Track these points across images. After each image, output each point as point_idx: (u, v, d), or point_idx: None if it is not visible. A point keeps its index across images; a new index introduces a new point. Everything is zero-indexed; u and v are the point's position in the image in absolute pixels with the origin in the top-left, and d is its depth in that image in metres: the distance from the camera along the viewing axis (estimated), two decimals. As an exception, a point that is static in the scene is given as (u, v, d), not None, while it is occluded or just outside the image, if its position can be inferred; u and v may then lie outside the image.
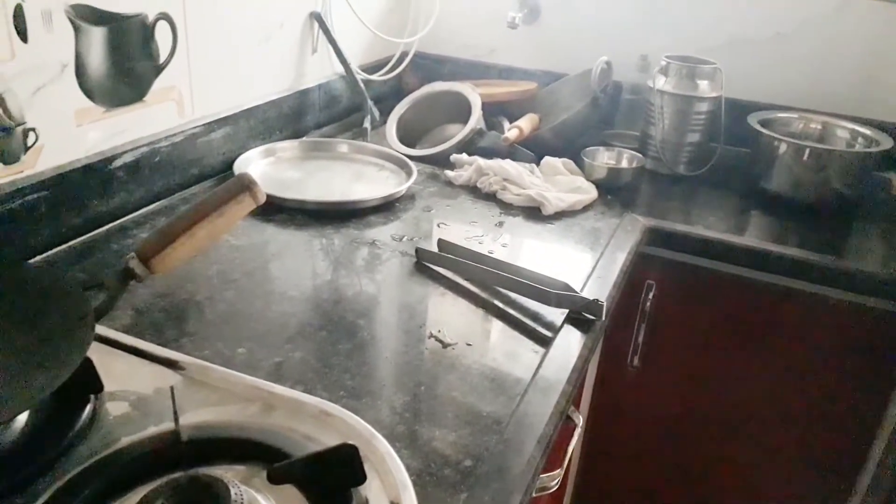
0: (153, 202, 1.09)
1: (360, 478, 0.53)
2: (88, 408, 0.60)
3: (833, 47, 1.48)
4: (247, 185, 0.68)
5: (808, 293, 1.15)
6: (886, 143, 1.29)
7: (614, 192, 1.30)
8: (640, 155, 1.39)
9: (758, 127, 1.34)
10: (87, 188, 0.98)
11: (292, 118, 1.41)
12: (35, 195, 0.91)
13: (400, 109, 1.48)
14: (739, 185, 1.40)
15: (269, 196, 1.08)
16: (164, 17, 1.06)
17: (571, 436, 0.95)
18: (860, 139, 1.37)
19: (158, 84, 1.08)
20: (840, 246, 1.21)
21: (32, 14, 0.86)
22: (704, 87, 1.38)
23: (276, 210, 1.11)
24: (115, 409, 0.63)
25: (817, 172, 1.28)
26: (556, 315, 0.89)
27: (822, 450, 1.23)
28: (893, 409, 1.15)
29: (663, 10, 1.58)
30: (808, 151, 1.28)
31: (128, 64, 1.02)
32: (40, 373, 0.55)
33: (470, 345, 0.82)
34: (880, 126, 1.37)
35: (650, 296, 1.23)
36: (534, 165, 1.32)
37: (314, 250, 1.02)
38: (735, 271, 1.18)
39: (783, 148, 1.30)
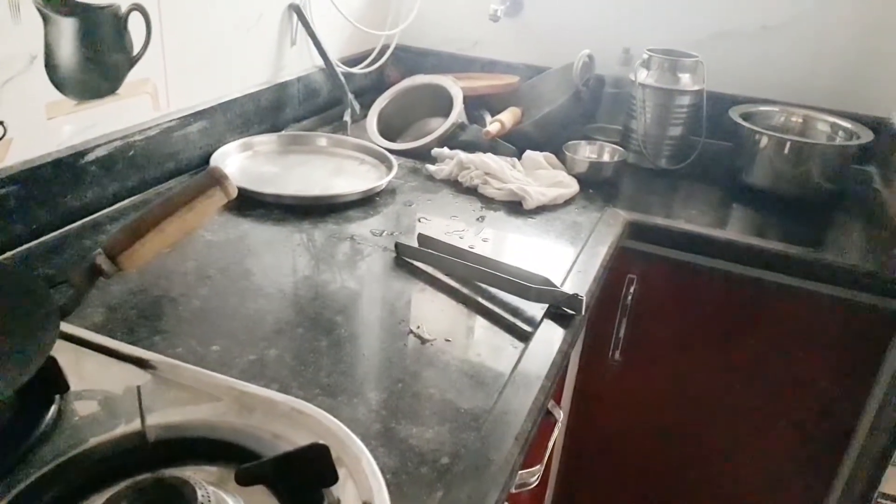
0: (127, 197, 1.07)
1: (332, 478, 0.52)
2: (53, 408, 0.59)
3: (816, 41, 1.48)
4: (217, 179, 0.66)
5: (789, 286, 1.15)
6: (866, 136, 1.29)
7: (596, 186, 1.29)
8: (621, 149, 1.39)
9: (739, 120, 1.34)
10: (58, 183, 0.96)
11: (271, 111, 1.39)
12: (4, 190, 0.88)
13: (381, 103, 1.47)
14: (721, 178, 1.40)
15: (246, 191, 1.08)
16: (138, 7, 1.04)
17: (552, 431, 0.95)
18: (841, 133, 1.37)
19: (132, 76, 1.06)
20: (821, 239, 1.21)
21: (-1, 4, 0.84)
22: (686, 80, 1.38)
23: (254, 205, 1.10)
24: (82, 409, 0.61)
25: (798, 166, 1.28)
26: (536, 310, 0.88)
27: (803, 440, 1.23)
28: (873, 400, 1.16)
29: (646, 2, 1.57)
30: (788, 145, 1.28)
31: (100, 56, 1.00)
32: (2, 373, 0.53)
33: (449, 341, 0.81)
34: (860, 119, 1.37)
35: (631, 290, 1.22)
36: (515, 159, 1.31)
37: (292, 246, 1.01)
38: (716, 265, 1.18)
39: (764, 141, 1.30)
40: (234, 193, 0.68)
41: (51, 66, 0.93)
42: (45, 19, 0.91)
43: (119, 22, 1.02)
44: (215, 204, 0.67)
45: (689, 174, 1.41)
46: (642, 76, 1.39)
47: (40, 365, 0.54)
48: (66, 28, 0.94)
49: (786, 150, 1.28)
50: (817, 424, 1.21)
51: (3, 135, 0.88)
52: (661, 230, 1.19)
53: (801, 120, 1.44)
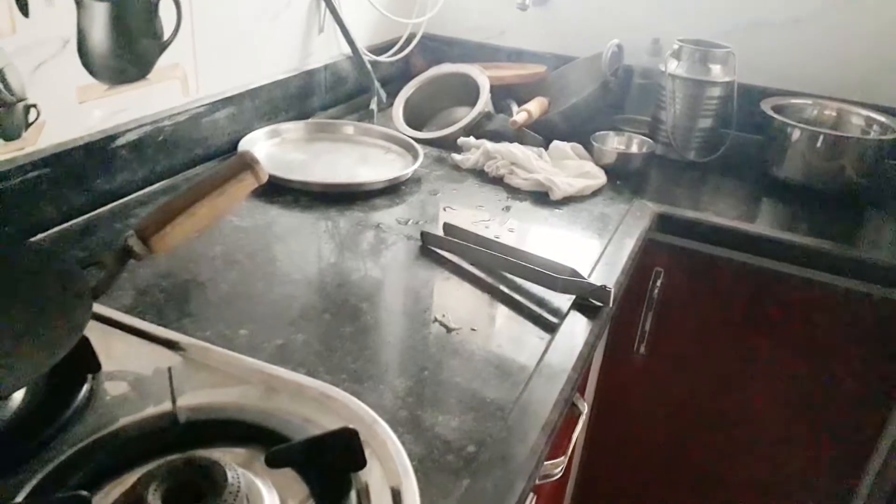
0: (156, 182, 1.08)
1: (360, 462, 0.52)
2: (85, 387, 0.59)
3: (850, 32, 1.45)
4: (248, 163, 0.67)
5: (819, 282, 1.13)
6: (902, 130, 1.26)
7: (624, 178, 1.28)
8: (650, 140, 1.37)
9: (771, 113, 1.32)
10: (89, 166, 0.97)
11: (298, 99, 1.39)
12: (36, 172, 0.89)
13: (407, 91, 1.46)
14: (751, 171, 1.37)
15: (273, 177, 1.08)
16: (169, -7, 1.04)
17: (576, 423, 0.94)
18: (875, 126, 1.34)
19: (162, 62, 1.06)
20: (852, 234, 1.19)
21: (33, -13, 0.85)
22: (717, 71, 1.36)
23: (281, 191, 1.10)
24: (112, 389, 0.62)
25: (831, 160, 1.26)
26: (563, 301, 0.87)
27: (829, 436, 1.22)
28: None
29: (676, -8, 1.55)
30: (821, 138, 1.26)
31: (131, 41, 1.00)
32: (36, 351, 0.54)
33: (475, 330, 0.81)
34: (896, 113, 1.34)
35: (658, 283, 1.21)
36: (542, 149, 1.30)
37: (318, 233, 1.01)
38: (745, 259, 1.17)
39: (796, 134, 1.27)
40: (265, 178, 0.68)
41: (83, 51, 0.94)
42: (79, 3, 0.91)
43: (150, 7, 1.02)
44: (246, 188, 0.67)
45: (719, 167, 1.39)
46: (672, 67, 1.37)
47: (74, 344, 0.54)
48: (99, 12, 0.95)
49: (818, 144, 1.26)
50: (845, 421, 1.20)
51: (37, 118, 0.89)
52: (690, 223, 1.18)
53: (834, 113, 1.41)
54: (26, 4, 0.85)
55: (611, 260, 1.00)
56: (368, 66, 1.50)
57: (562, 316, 0.85)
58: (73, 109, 0.94)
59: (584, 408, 0.95)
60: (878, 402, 1.16)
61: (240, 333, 0.75)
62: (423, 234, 0.99)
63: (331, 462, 0.52)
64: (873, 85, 1.45)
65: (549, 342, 0.80)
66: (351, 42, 1.47)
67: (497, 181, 1.22)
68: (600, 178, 1.24)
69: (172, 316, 0.77)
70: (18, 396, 0.58)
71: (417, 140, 1.30)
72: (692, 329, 1.24)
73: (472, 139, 1.30)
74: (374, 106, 1.47)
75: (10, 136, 0.87)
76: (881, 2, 1.41)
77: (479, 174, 1.24)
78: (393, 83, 1.56)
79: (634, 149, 1.38)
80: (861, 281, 1.11)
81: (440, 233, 1.00)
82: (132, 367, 0.64)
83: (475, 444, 0.63)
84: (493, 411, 0.68)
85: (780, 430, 1.25)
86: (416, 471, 0.57)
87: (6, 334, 0.56)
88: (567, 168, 1.25)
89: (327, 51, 1.47)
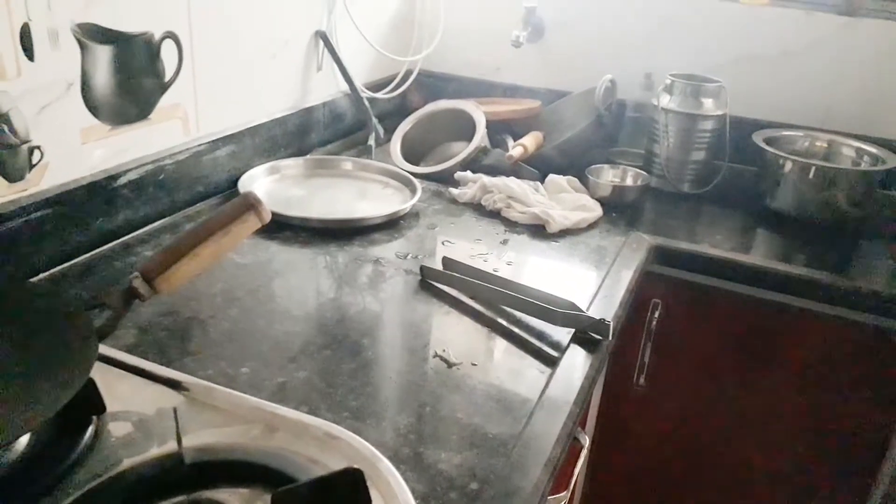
0: (158, 220, 1.09)
1: (365, 502, 0.52)
2: (90, 429, 0.60)
3: (840, 66, 1.48)
4: (252, 204, 0.68)
5: (815, 312, 1.14)
6: (892, 161, 1.29)
7: (619, 210, 1.29)
8: (644, 173, 1.39)
9: (763, 145, 1.34)
10: (91, 206, 0.98)
11: (297, 136, 1.41)
12: (39, 213, 0.90)
13: (404, 127, 1.48)
14: (745, 203, 1.39)
15: (273, 214, 1.07)
16: (171, 35, 1.06)
17: (578, 457, 0.94)
18: (866, 157, 1.36)
19: (164, 102, 1.08)
20: (846, 264, 1.20)
21: (39, 33, 0.87)
22: (709, 105, 1.38)
23: (281, 228, 1.11)
24: (117, 430, 0.62)
25: (823, 190, 1.27)
26: (563, 334, 0.88)
27: (829, 470, 1.21)
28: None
29: (668, 28, 1.58)
30: (813, 169, 1.28)
31: (133, 82, 1.02)
32: (42, 394, 0.54)
33: (475, 364, 0.81)
34: (886, 144, 1.36)
35: (656, 314, 1.22)
36: (538, 183, 1.32)
37: (318, 268, 1.02)
38: (741, 290, 1.18)
39: (789, 166, 1.29)
40: (268, 218, 0.69)
41: (87, 93, 0.95)
42: (83, 46, 0.93)
43: (152, 49, 1.04)
44: (249, 228, 0.68)
45: (713, 198, 1.40)
46: (665, 101, 1.40)
47: (80, 387, 0.55)
48: (102, 55, 0.97)
49: (810, 175, 1.28)
50: (844, 449, 1.19)
51: (40, 159, 0.91)
52: (686, 255, 1.19)
53: (825, 144, 1.43)
54: (32, 48, 0.86)
55: (609, 292, 1.01)
56: (366, 102, 1.52)
57: (562, 349, 0.86)
58: (75, 150, 0.96)
59: (585, 441, 0.95)
60: (876, 429, 1.16)
61: (241, 371, 0.76)
62: (423, 269, 1.00)
63: (336, 502, 0.52)
64: (863, 117, 1.47)
65: (550, 376, 0.80)
66: (349, 79, 1.49)
67: (494, 215, 1.24)
68: (596, 210, 1.25)
69: (175, 355, 0.77)
70: (24, 440, 0.58)
71: (415, 175, 1.31)
72: (691, 360, 1.25)
73: (469, 173, 1.32)
74: (371, 142, 1.49)
75: (14, 177, 0.88)
76: (870, 35, 1.45)
77: (477, 208, 1.26)
78: (390, 119, 1.58)
79: (629, 181, 1.39)
80: (856, 310, 1.12)
81: (439, 267, 1.01)
82: (136, 408, 0.65)
83: (478, 480, 0.63)
84: (496, 447, 0.68)
85: (780, 458, 1.24)
86: (419, 509, 0.57)
87: (12, 378, 0.56)
88: (563, 201, 1.27)
89: (326, 88, 1.49)
